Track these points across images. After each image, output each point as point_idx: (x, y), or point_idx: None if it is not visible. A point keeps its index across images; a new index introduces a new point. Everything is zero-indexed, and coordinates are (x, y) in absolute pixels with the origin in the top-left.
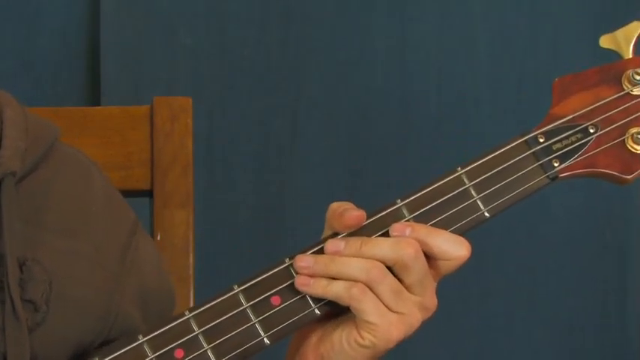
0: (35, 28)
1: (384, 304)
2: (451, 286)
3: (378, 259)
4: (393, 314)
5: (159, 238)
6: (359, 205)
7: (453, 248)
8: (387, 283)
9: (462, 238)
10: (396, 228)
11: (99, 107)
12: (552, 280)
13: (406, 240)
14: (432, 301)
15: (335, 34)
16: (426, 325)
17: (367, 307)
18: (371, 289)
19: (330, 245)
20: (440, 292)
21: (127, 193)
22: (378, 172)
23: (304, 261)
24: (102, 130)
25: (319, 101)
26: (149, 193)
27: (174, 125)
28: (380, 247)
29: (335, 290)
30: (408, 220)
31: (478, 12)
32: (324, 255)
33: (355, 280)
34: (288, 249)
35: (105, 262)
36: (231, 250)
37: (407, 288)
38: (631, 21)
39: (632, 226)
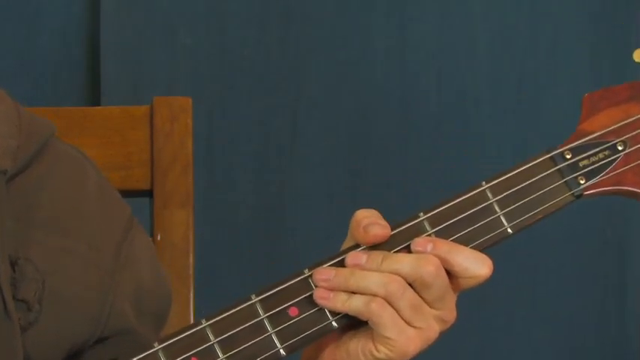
0: (35, 28)
1: (402, 319)
2: None
3: (398, 275)
4: (411, 329)
5: (159, 238)
6: (360, 206)
7: (475, 266)
8: (407, 298)
9: (484, 256)
10: (418, 243)
11: (99, 107)
12: (552, 279)
13: (427, 257)
14: (451, 315)
15: (335, 34)
16: None
17: (386, 322)
18: (390, 303)
19: (352, 258)
20: None
21: (127, 193)
22: (378, 172)
23: (324, 274)
24: (102, 130)
25: (319, 101)
26: (149, 193)
27: (174, 125)
28: (401, 263)
29: (354, 305)
30: (429, 235)
31: (478, 12)
32: (344, 268)
33: (374, 295)
34: (288, 249)
35: (99, 260)
36: (231, 250)
37: (427, 303)
38: None
39: (632, 224)
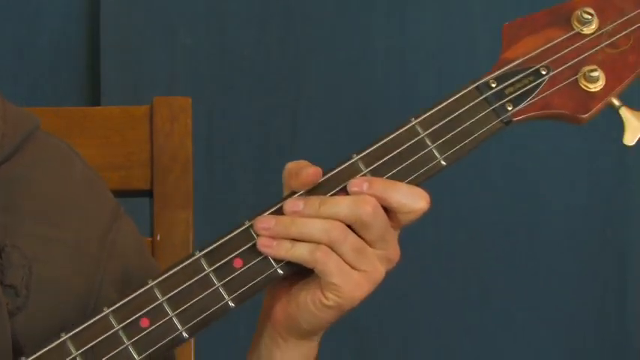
0: (35, 28)
1: (347, 264)
2: (451, 285)
3: (337, 219)
4: (356, 273)
5: (159, 238)
6: None
7: (412, 201)
8: (349, 243)
9: (420, 190)
10: (354, 183)
11: (99, 107)
12: (552, 280)
13: (364, 198)
14: (395, 253)
15: (335, 34)
16: (426, 325)
17: (330, 269)
18: (333, 249)
19: (289, 205)
20: (440, 292)
21: (127, 193)
22: None
23: (265, 222)
24: (102, 130)
25: (319, 101)
26: (149, 193)
27: (174, 125)
28: (339, 205)
29: (299, 253)
30: (365, 174)
31: (478, 12)
32: (284, 216)
33: (318, 242)
34: None
35: (85, 246)
36: None
37: (369, 244)
38: None
39: (632, 226)
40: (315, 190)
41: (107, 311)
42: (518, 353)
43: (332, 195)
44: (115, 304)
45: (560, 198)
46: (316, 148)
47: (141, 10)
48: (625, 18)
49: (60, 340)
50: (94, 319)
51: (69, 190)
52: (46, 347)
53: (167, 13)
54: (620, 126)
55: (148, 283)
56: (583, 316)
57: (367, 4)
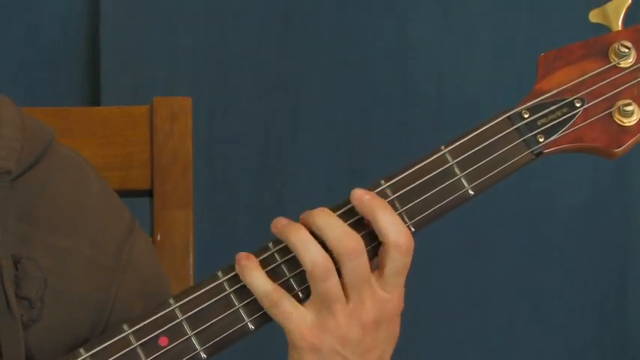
0: (35, 28)
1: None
2: (452, 285)
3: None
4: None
5: (159, 238)
6: None
7: (396, 231)
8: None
9: (407, 230)
10: (355, 193)
11: (99, 107)
12: (552, 280)
13: (350, 233)
14: (367, 316)
15: (335, 34)
16: (426, 325)
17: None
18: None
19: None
20: (440, 292)
21: (127, 193)
22: (378, 172)
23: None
24: (102, 130)
25: (319, 101)
26: (149, 193)
27: (174, 125)
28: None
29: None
30: (392, 201)
31: (478, 12)
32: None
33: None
34: None
35: (100, 258)
36: (231, 250)
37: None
38: None
39: (632, 226)
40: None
41: (127, 330)
42: (518, 353)
43: (356, 221)
44: (133, 321)
45: (560, 198)
46: (316, 148)
47: (141, 10)
48: None
49: (80, 357)
50: (114, 339)
51: (85, 202)
52: None
53: (167, 13)
54: None
55: (169, 302)
56: (583, 316)
57: (367, 4)
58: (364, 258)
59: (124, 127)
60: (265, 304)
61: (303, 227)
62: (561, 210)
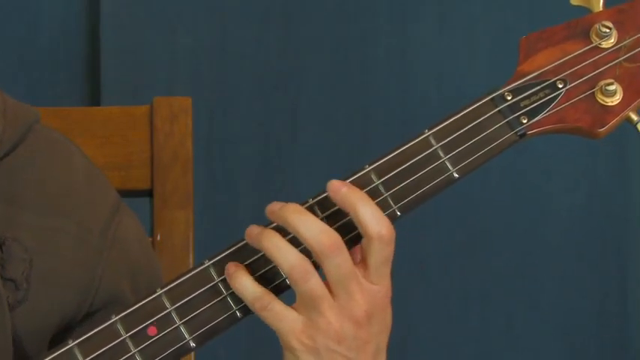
0: (35, 28)
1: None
2: (451, 285)
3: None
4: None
5: (159, 238)
6: None
7: (375, 222)
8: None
9: (387, 220)
10: (331, 184)
11: (99, 107)
12: (552, 280)
13: (328, 231)
14: (358, 310)
15: (335, 34)
16: (426, 325)
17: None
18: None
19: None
20: (440, 292)
21: (127, 193)
22: None
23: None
24: (102, 130)
25: (319, 101)
26: (149, 193)
27: (174, 125)
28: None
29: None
30: (376, 186)
31: (478, 12)
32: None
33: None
34: None
35: (86, 237)
36: None
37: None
38: None
39: (632, 226)
40: (326, 202)
41: (115, 319)
42: (517, 352)
43: (334, 212)
44: (122, 312)
45: (560, 198)
46: (316, 148)
47: (141, 10)
48: None
49: (67, 347)
50: (101, 327)
51: (70, 182)
52: (53, 354)
53: (167, 13)
54: (620, 126)
55: (157, 292)
56: (583, 316)
57: (368, 4)
58: (345, 254)
59: (124, 127)
60: (256, 307)
61: (276, 233)
62: (561, 209)
